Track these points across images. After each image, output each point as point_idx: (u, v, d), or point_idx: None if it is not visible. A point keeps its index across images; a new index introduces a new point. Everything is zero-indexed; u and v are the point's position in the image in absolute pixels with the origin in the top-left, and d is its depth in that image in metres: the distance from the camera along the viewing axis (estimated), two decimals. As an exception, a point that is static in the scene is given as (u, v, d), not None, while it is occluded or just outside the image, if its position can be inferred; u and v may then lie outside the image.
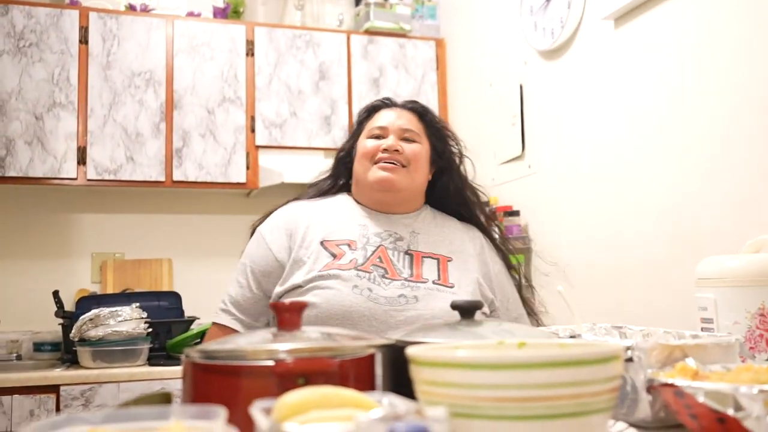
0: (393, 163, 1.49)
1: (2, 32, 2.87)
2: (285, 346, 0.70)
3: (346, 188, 1.63)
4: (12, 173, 2.83)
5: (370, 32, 3.39)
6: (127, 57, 3.02)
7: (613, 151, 2.27)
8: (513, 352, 0.69)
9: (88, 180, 2.93)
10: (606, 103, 2.31)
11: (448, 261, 1.48)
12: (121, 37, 3.03)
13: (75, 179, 2.92)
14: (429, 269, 1.45)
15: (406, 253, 1.47)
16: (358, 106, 3.32)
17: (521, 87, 2.81)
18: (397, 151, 1.50)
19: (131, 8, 3.17)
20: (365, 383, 0.75)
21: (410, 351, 0.63)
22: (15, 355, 2.97)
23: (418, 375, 0.63)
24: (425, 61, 3.46)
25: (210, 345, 0.75)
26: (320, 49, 3.30)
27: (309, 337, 0.74)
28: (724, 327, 1.15)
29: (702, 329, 1.18)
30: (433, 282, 1.42)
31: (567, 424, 0.56)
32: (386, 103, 1.63)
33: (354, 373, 0.73)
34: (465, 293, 1.42)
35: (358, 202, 1.57)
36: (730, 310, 1.14)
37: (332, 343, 0.74)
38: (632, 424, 0.85)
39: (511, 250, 1.67)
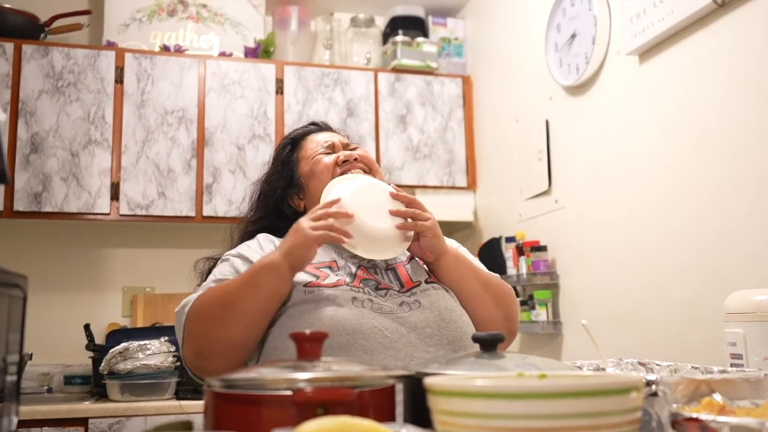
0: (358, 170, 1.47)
1: (42, 73, 2.97)
2: (304, 376, 0.70)
3: (270, 230, 1.55)
4: (48, 208, 2.90)
5: (397, 70, 3.44)
6: (160, 96, 3.10)
7: (639, 185, 2.25)
8: (529, 382, 0.69)
9: (121, 215, 2.99)
10: (632, 138, 2.30)
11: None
12: (155, 77, 3.11)
13: (108, 214, 2.98)
14: (416, 272, 1.41)
15: (387, 268, 1.41)
16: (386, 143, 3.37)
17: (547, 122, 2.82)
18: (356, 159, 1.48)
19: (165, 49, 3.26)
20: (384, 414, 0.75)
21: (427, 380, 0.63)
22: (46, 387, 3.01)
23: (436, 405, 0.62)
24: (452, 97, 3.49)
25: (230, 374, 0.76)
26: (348, 87, 3.35)
27: (329, 367, 0.75)
28: (753, 363, 1.12)
29: (731, 365, 1.16)
30: (426, 281, 1.38)
31: (585, 455, 0.56)
32: (320, 126, 1.61)
33: (373, 403, 0.73)
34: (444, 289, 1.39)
35: None
36: (759, 345, 1.12)
37: (351, 373, 0.74)
38: (658, 461, 0.84)
39: None
